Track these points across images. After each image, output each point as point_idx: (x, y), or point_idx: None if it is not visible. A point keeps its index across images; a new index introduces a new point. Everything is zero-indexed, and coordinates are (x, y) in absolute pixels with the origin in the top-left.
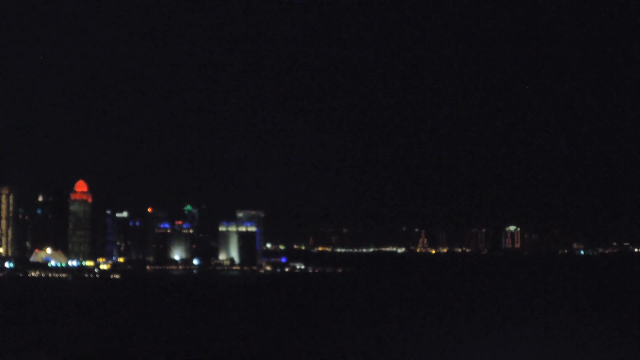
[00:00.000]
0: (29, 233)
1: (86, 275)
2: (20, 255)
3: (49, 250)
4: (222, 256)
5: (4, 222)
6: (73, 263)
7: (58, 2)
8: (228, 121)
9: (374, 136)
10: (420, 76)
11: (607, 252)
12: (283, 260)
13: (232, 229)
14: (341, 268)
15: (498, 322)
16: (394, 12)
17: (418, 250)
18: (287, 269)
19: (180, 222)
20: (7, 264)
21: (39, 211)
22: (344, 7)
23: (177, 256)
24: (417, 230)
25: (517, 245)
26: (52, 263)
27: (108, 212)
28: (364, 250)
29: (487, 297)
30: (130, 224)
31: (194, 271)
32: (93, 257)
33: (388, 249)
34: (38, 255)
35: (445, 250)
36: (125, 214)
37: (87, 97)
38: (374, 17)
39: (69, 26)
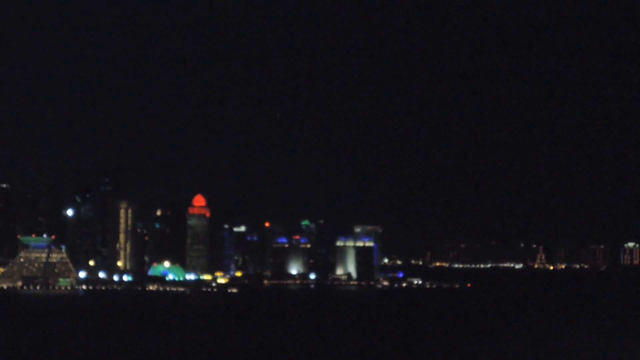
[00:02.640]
0: (147, 247)
1: (204, 289)
2: (139, 268)
3: (166, 264)
4: (339, 271)
5: (122, 235)
6: (191, 277)
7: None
8: (346, 138)
9: (491, 152)
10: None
11: None
12: (400, 275)
13: (350, 243)
14: (458, 283)
15: (623, 340)
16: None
17: (536, 266)
18: (404, 284)
19: (297, 237)
20: (125, 277)
21: (157, 225)
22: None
23: (294, 270)
24: (535, 246)
25: (637, 262)
26: (170, 277)
27: (226, 226)
28: (482, 265)
29: (610, 314)
30: (248, 238)
31: (311, 286)
32: (211, 271)
33: (505, 265)
34: (156, 269)
35: (563, 266)
36: (243, 228)
37: (205, 113)
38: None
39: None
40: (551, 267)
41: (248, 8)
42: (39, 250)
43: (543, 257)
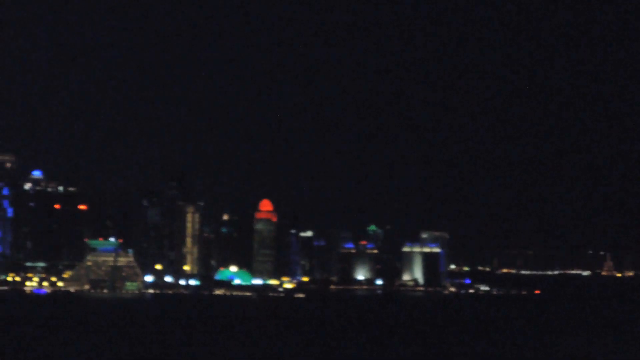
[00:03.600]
0: (213, 251)
1: (270, 293)
2: (206, 273)
3: (233, 269)
4: (406, 277)
5: (189, 240)
6: (257, 282)
7: None
8: (415, 144)
9: (560, 159)
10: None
11: None
12: (467, 281)
13: (417, 249)
14: (525, 290)
15: None
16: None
17: (604, 273)
18: (471, 291)
19: (364, 242)
20: (192, 282)
21: (224, 230)
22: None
23: (360, 276)
24: (602, 253)
25: None
26: (237, 281)
27: (292, 231)
28: (549, 272)
29: None
30: (315, 243)
31: (378, 291)
32: (277, 276)
33: (573, 272)
34: (223, 274)
35: (631, 274)
36: (309, 233)
37: (273, 118)
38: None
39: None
40: (619, 275)
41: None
42: (106, 254)
43: (611, 264)
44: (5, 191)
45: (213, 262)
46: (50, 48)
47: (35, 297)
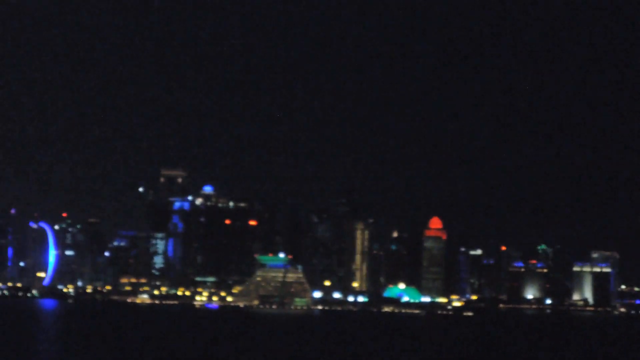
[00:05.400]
0: (382, 268)
1: (439, 311)
2: (374, 290)
3: (402, 286)
4: (575, 296)
5: (358, 256)
6: (426, 299)
7: None
8: (582, 164)
9: None
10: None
11: None
12: (638, 302)
13: (587, 269)
14: None
15: None
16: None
17: None
18: None
19: (534, 261)
20: (360, 299)
21: (393, 247)
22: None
23: (530, 295)
24: None
25: None
26: (405, 298)
27: (462, 249)
28: None
29: None
30: (484, 261)
31: (547, 311)
32: (446, 294)
33: None
34: (391, 291)
35: None
36: (479, 251)
37: (440, 138)
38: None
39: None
40: None
41: None
42: (275, 270)
43: None
44: (177, 206)
45: (382, 279)
46: (241, 66)
47: (206, 312)
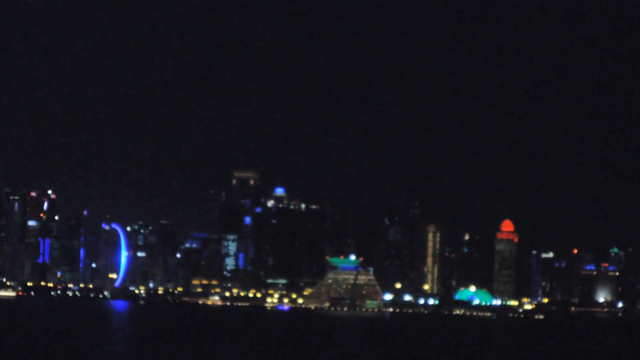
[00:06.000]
0: (454, 271)
1: (510, 314)
2: (445, 292)
3: (473, 288)
4: None
5: (430, 259)
6: (497, 302)
7: None
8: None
9: None
10: None
11: None
12: None
13: None
14: None
15: None
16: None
17: None
18: None
19: (606, 265)
20: (431, 301)
21: (464, 249)
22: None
23: (601, 298)
24: None
25: None
26: (477, 301)
27: (534, 252)
28: None
29: None
30: (556, 264)
31: (619, 314)
32: (517, 297)
33: None
34: (463, 293)
35: None
36: (550, 254)
37: (509, 140)
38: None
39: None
40: None
41: None
42: (347, 272)
43: None
44: (248, 208)
45: (453, 282)
46: (316, 67)
47: (277, 314)
